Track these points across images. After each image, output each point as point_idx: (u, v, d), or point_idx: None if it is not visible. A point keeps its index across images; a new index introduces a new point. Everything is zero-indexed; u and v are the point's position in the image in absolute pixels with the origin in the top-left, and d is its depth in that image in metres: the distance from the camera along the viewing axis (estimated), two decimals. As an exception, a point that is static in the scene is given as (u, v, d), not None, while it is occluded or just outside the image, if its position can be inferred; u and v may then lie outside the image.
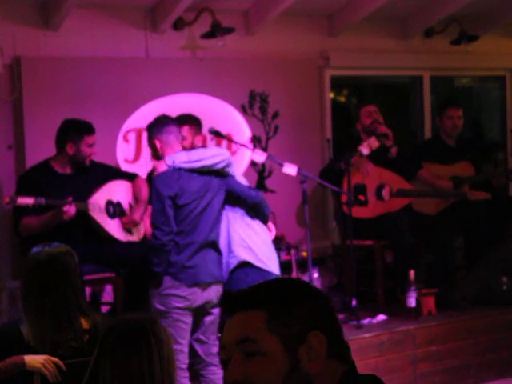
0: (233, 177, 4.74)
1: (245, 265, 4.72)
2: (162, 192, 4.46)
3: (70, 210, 4.77)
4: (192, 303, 4.45)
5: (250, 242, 4.74)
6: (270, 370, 1.54)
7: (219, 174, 4.63)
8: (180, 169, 4.51)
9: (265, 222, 4.91)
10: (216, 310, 4.58)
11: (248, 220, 4.78)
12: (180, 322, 4.39)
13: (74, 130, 5.07)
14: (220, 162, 4.59)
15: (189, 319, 4.47)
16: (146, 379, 2.38)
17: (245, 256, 4.72)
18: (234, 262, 4.70)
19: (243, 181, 4.95)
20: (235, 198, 4.71)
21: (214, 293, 4.54)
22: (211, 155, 4.59)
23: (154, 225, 4.51)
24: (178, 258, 4.45)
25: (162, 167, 4.56)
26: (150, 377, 2.38)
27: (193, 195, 4.51)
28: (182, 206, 4.48)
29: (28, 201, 4.68)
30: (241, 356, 1.56)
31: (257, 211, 4.78)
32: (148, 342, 2.41)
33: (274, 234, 5.07)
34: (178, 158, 4.53)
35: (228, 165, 4.65)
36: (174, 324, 4.32)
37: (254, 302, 1.59)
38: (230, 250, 4.73)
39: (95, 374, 2.41)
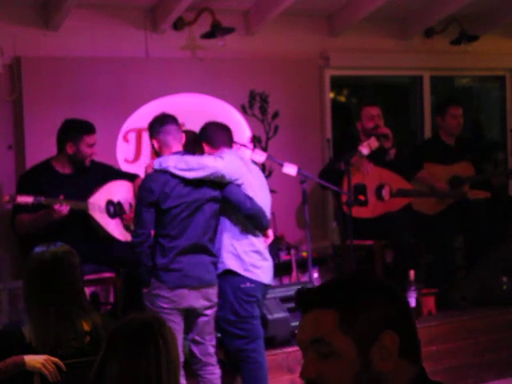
0: (236, 185, 4.69)
1: (231, 272, 4.71)
2: (142, 196, 4.48)
3: (62, 209, 4.76)
4: (178, 304, 4.45)
5: (240, 250, 4.72)
6: (342, 370, 1.55)
7: (213, 181, 4.61)
8: (167, 172, 4.48)
9: (262, 231, 4.87)
10: (210, 312, 4.57)
11: (244, 228, 4.76)
12: (169, 321, 4.36)
13: (74, 130, 5.07)
14: (210, 174, 4.53)
15: (178, 319, 4.47)
16: (153, 380, 2.36)
17: (231, 264, 4.70)
18: (220, 268, 4.70)
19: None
20: (232, 206, 4.70)
21: (203, 296, 4.52)
22: (201, 166, 4.51)
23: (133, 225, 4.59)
24: (162, 260, 4.46)
25: (150, 168, 4.58)
26: (157, 378, 2.37)
27: (178, 200, 4.48)
28: (167, 210, 4.47)
29: (27, 199, 4.68)
30: (315, 355, 1.57)
31: (252, 222, 4.75)
32: (156, 344, 2.39)
33: (270, 240, 5.02)
34: (166, 162, 4.50)
35: (220, 176, 4.58)
36: None
37: (327, 300, 1.59)
38: (219, 255, 4.72)
39: (101, 374, 2.39)
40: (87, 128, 5.09)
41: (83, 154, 5.08)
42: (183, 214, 4.49)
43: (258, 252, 4.77)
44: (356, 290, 1.61)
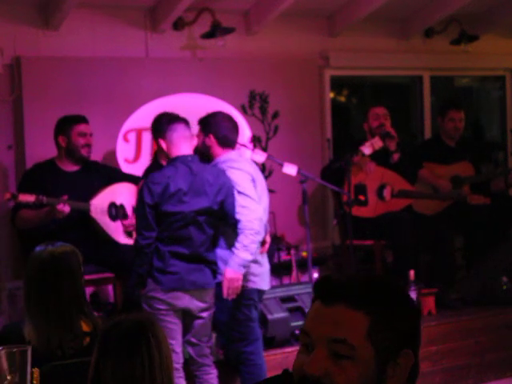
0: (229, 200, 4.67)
1: None
2: (143, 198, 4.44)
3: (64, 208, 4.78)
4: (173, 307, 4.43)
5: None
6: (356, 376, 1.44)
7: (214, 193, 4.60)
8: (169, 176, 4.45)
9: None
10: (206, 314, 4.54)
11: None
12: (166, 322, 4.36)
13: (63, 123, 5.16)
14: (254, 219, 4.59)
15: (176, 319, 4.45)
16: (147, 379, 2.37)
17: None
18: (220, 278, 4.66)
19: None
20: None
21: (198, 298, 4.48)
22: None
23: (136, 228, 4.54)
24: (158, 263, 4.43)
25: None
26: (151, 378, 2.37)
27: (176, 207, 4.44)
28: (165, 214, 4.43)
29: (29, 198, 4.69)
30: (327, 353, 1.45)
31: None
32: (148, 343, 2.40)
33: (267, 246, 5.01)
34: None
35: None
36: (162, 325, 4.30)
37: (360, 301, 1.46)
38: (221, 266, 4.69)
39: (96, 375, 2.40)
40: (76, 118, 5.18)
41: (75, 143, 5.11)
42: (180, 222, 4.44)
43: (254, 261, 4.72)
44: (391, 297, 1.48)
